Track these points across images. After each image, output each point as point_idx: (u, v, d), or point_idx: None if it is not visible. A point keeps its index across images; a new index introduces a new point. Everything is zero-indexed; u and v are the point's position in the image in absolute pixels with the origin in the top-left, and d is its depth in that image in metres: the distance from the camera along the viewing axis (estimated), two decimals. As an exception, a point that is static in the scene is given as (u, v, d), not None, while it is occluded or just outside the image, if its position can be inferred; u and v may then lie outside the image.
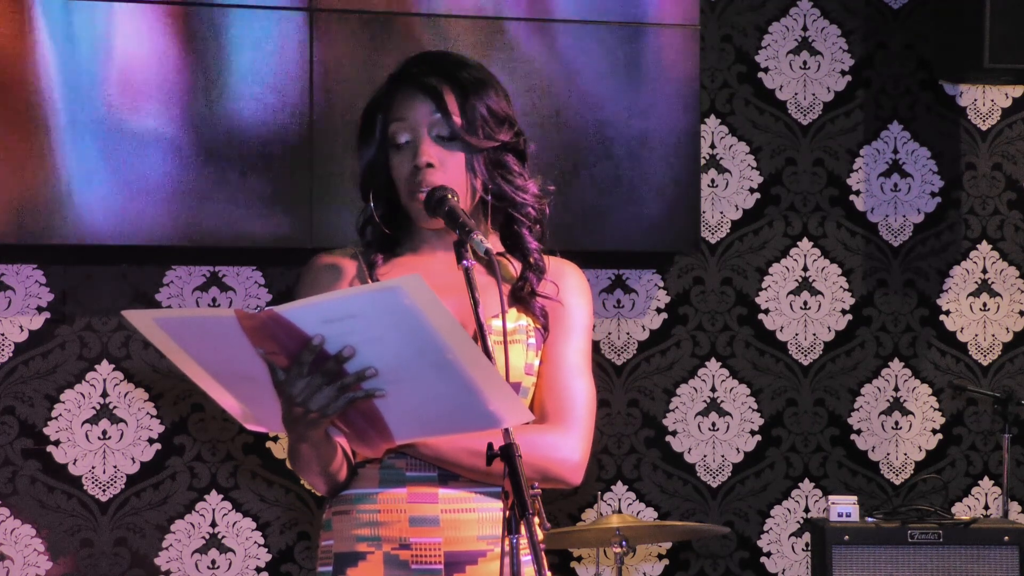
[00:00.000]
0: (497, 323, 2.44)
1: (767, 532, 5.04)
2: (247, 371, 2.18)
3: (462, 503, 2.44)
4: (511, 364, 2.44)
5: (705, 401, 5.00)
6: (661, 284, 4.98)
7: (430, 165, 2.46)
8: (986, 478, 5.16)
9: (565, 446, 2.45)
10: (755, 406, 5.03)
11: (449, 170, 2.47)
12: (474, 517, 2.44)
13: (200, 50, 4.35)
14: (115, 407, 4.54)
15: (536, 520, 2.17)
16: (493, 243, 2.56)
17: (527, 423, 2.47)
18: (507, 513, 2.14)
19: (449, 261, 2.44)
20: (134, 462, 4.56)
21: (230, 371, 2.21)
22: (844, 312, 5.10)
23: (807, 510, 5.05)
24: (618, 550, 3.99)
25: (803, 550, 5.02)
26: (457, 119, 2.47)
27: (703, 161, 4.96)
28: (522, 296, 2.52)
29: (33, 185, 4.24)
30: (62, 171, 4.25)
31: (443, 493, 2.43)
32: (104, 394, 4.54)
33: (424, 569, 2.42)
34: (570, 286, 2.56)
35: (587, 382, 2.51)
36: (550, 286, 2.53)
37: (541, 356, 2.52)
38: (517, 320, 2.50)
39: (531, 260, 2.53)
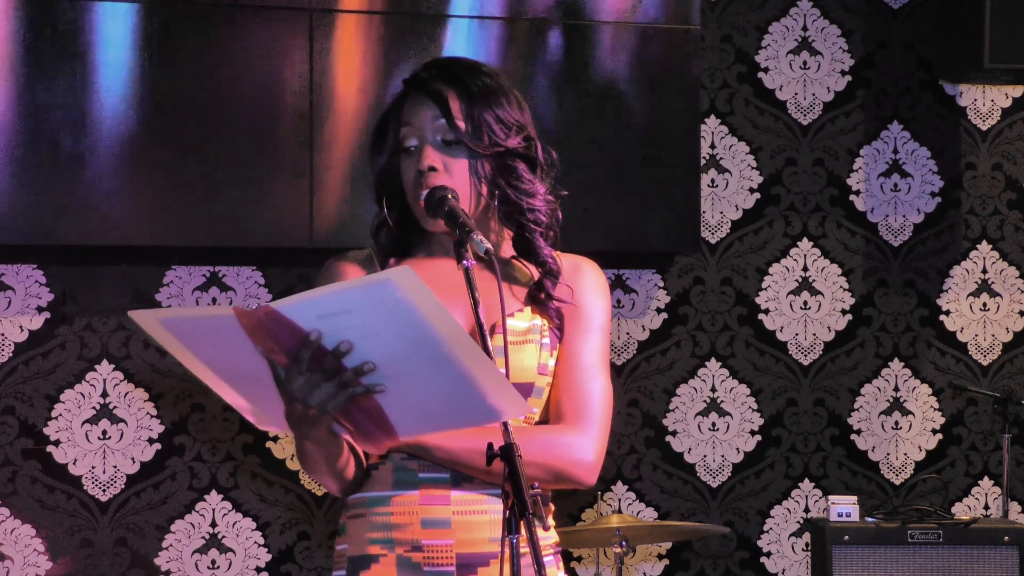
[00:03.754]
0: (512, 323, 2.45)
1: (767, 532, 5.04)
2: (251, 370, 2.19)
3: (474, 505, 2.44)
4: (524, 364, 2.45)
5: (705, 401, 5.00)
6: (661, 284, 4.98)
7: (432, 169, 2.46)
8: (986, 478, 5.16)
9: (580, 447, 2.45)
10: (755, 406, 5.03)
11: (453, 175, 2.47)
12: (486, 519, 2.44)
13: (200, 50, 4.34)
14: (115, 407, 4.54)
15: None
16: (506, 247, 2.56)
17: (536, 423, 2.48)
18: (507, 513, 2.14)
19: None
20: (134, 462, 4.56)
21: (236, 371, 2.22)
22: (844, 312, 5.10)
23: (807, 510, 5.05)
24: (618, 550, 3.99)
25: (803, 550, 5.02)
26: (461, 124, 2.47)
27: (703, 161, 4.96)
28: (538, 298, 2.52)
29: (34, 185, 4.24)
30: (62, 171, 4.25)
31: (455, 495, 2.43)
32: (104, 394, 4.54)
33: (436, 571, 2.42)
34: (587, 285, 2.55)
35: (603, 382, 2.51)
36: (565, 289, 2.53)
37: (557, 356, 2.51)
38: (532, 320, 2.50)
39: (544, 265, 2.53)
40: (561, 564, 2.52)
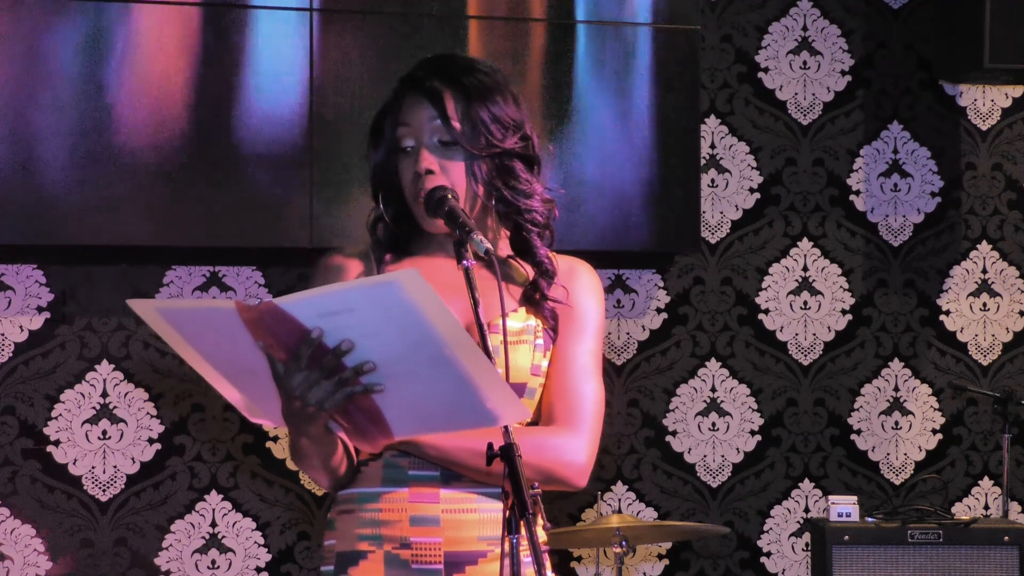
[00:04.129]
0: (507, 322, 2.44)
1: (767, 532, 5.04)
2: (248, 363, 2.19)
3: (463, 503, 2.44)
4: (517, 364, 2.45)
5: (705, 401, 5.00)
6: (661, 284, 4.98)
7: (430, 172, 2.46)
8: (986, 478, 5.16)
9: (571, 449, 2.45)
10: (755, 406, 5.03)
11: (450, 176, 2.47)
12: (475, 518, 2.44)
13: (200, 49, 4.34)
14: (115, 407, 4.54)
15: (540, 521, 2.17)
16: (503, 247, 2.56)
17: (528, 424, 2.48)
18: (507, 513, 2.14)
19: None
20: (134, 462, 4.56)
21: (232, 363, 2.22)
22: (844, 312, 5.10)
23: (807, 510, 5.05)
24: (618, 550, 3.99)
25: (803, 550, 5.02)
26: (456, 124, 2.47)
27: (703, 161, 4.96)
28: (533, 298, 2.52)
29: (33, 185, 4.24)
30: (62, 171, 4.25)
31: (444, 493, 2.44)
32: (104, 394, 4.54)
33: (424, 569, 2.42)
34: (582, 286, 2.55)
35: (596, 384, 2.51)
36: (560, 290, 2.53)
37: (550, 357, 2.51)
38: (526, 320, 2.50)
39: (541, 265, 2.53)
40: (548, 563, 2.51)
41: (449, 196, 2.42)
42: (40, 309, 4.50)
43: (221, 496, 4.61)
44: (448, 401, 2.21)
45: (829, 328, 5.09)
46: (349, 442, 2.43)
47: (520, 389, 2.45)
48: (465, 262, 2.31)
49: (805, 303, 5.08)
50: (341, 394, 2.18)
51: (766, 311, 5.06)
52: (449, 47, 4.46)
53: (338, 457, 2.41)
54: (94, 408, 4.53)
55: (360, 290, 2.11)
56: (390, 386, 2.18)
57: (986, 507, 5.16)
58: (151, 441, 4.57)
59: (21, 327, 4.50)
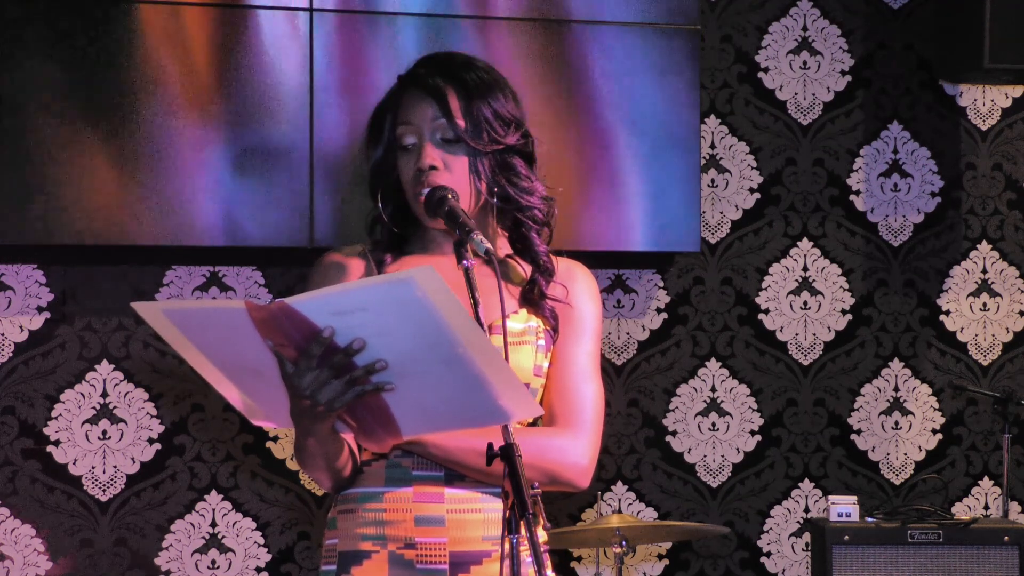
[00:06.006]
0: (508, 324, 2.44)
1: (767, 532, 5.04)
2: (254, 364, 2.18)
3: (468, 503, 2.44)
4: (520, 365, 2.46)
5: (705, 401, 5.00)
6: (661, 284, 4.98)
7: (433, 168, 2.46)
8: (986, 478, 5.16)
9: (573, 450, 2.45)
10: (755, 406, 5.03)
11: (453, 172, 2.47)
12: (479, 518, 2.44)
13: (200, 50, 4.34)
14: (115, 407, 4.54)
15: (542, 521, 2.17)
16: (501, 245, 2.56)
17: (535, 425, 2.48)
18: (507, 513, 2.14)
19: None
20: (134, 462, 4.56)
21: (237, 364, 2.21)
22: (844, 312, 5.10)
23: (807, 510, 5.05)
24: (618, 550, 3.99)
25: (803, 550, 5.02)
26: (460, 121, 2.47)
27: (703, 161, 4.96)
28: (532, 298, 2.52)
29: (34, 185, 4.24)
30: (62, 171, 4.25)
31: (449, 493, 2.44)
32: (104, 394, 4.54)
33: (429, 569, 2.42)
34: (580, 288, 2.56)
35: (596, 385, 2.52)
36: (559, 288, 2.53)
37: (550, 358, 2.51)
38: (527, 321, 2.50)
39: (540, 263, 2.53)
40: (549, 563, 2.51)
41: (449, 196, 2.42)
42: (40, 309, 4.50)
43: (221, 496, 4.61)
44: (460, 399, 2.20)
45: (829, 328, 5.09)
46: (354, 444, 2.43)
47: (522, 391, 2.45)
48: (465, 262, 2.31)
49: (805, 303, 5.08)
50: (351, 393, 2.18)
51: (766, 311, 5.06)
52: (448, 47, 4.46)
53: (343, 458, 2.41)
54: (94, 408, 4.53)
55: (374, 288, 2.10)
56: (401, 385, 2.17)
57: (986, 507, 5.16)
58: (151, 441, 4.57)
59: (21, 327, 4.49)
